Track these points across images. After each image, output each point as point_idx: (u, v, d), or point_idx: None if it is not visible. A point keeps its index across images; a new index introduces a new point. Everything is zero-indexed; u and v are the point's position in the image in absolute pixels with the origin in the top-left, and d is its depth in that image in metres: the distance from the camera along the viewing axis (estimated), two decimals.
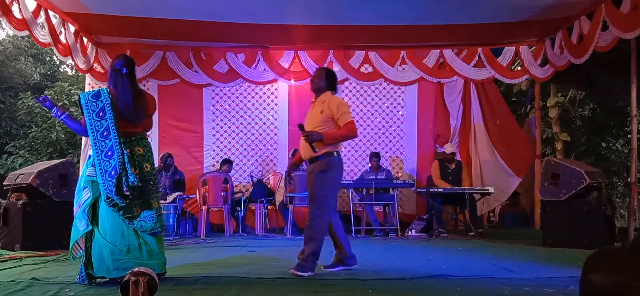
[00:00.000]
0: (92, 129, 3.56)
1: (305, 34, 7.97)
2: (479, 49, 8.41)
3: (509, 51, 8.42)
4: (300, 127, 4.14)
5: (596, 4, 6.28)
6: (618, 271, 1.40)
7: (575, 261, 4.70)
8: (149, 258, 3.57)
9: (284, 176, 8.00)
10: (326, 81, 4.27)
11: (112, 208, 3.55)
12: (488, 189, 7.67)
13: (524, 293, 3.27)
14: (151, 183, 3.74)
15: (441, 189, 7.57)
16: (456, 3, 6.82)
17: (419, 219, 7.85)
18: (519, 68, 8.73)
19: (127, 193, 3.53)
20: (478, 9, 6.93)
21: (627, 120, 11.97)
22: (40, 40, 6.55)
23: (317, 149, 4.06)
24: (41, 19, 6.48)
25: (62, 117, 3.73)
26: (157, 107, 3.88)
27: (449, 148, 8.13)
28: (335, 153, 4.15)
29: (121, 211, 3.56)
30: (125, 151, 3.57)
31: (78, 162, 9.23)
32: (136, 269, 2.91)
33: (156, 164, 8.20)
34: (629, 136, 7.29)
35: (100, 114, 3.59)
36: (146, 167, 3.72)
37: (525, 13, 7.02)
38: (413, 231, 7.47)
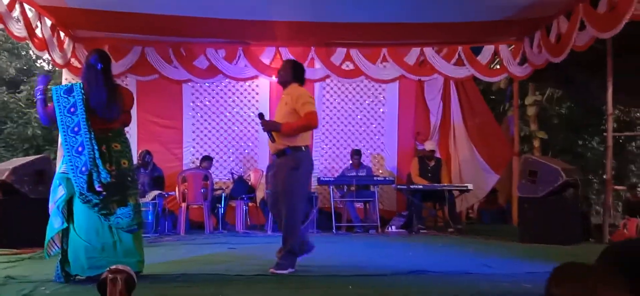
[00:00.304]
0: (62, 125, 3.53)
1: (287, 31, 7.94)
2: (459, 48, 8.46)
3: (488, 50, 8.49)
4: (260, 116, 4.10)
5: (574, 4, 6.36)
6: (580, 281, 1.41)
7: (551, 257, 4.78)
8: (125, 257, 3.50)
9: (264, 173, 7.97)
10: (292, 73, 4.19)
11: (86, 204, 3.50)
12: (467, 186, 7.75)
13: (502, 288, 3.31)
14: (128, 179, 3.69)
15: (421, 186, 7.63)
16: (437, 2, 6.85)
17: (399, 215, 7.90)
18: (498, 67, 8.82)
19: (99, 190, 3.48)
20: (459, 7, 6.97)
21: (603, 119, 12.20)
22: (15, 34, 6.39)
23: (274, 140, 3.99)
24: (16, 12, 6.33)
25: (39, 97, 3.64)
26: (134, 102, 3.80)
27: (428, 145, 8.19)
28: (303, 148, 4.05)
29: (96, 208, 3.51)
30: (95, 147, 3.51)
31: (55, 158, 9.06)
32: (113, 267, 2.87)
33: (135, 161, 8.11)
34: (604, 134, 7.42)
35: (72, 110, 3.54)
36: (123, 163, 3.67)
37: (504, 12, 7.08)
38: (393, 227, 7.51)
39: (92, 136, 3.52)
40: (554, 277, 1.47)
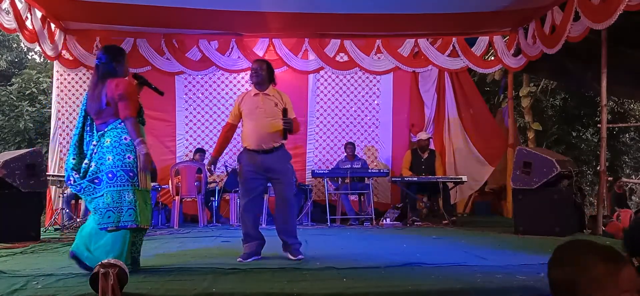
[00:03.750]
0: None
1: (280, 22, 7.89)
2: (454, 39, 8.45)
3: (482, 41, 8.48)
4: (285, 112, 4.26)
5: None
6: (568, 265, 1.43)
7: (546, 249, 4.77)
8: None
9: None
10: (271, 74, 4.42)
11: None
12: (461, 178, 7.74)
13: (496, 280, 3.31)
14: (111, 175, 3.59)
15: (415, 178, 7.62)
16: None
17: (394, 208, 7.89)
18: (493, 58, 8.81)
19: (68, 182, 3.75)
20: None
21: (597, 110, 12.25)
22: (5, 26, 6.33)
23: (286, 137, 4.30)
24: (6, 4, 6.26)
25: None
26: (120, 89, 3.63)
27: (423, 135, 8.18)
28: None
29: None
30: (73, 142, 3.75)
31: (47, 151, 8.99)
32: (105, 261, 2.85)
33: None
34: (598, 125, 7.43)
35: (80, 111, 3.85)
36: (108, 159, 3.61)
37: (499, 3, 7.07)
38: (388, 219, 7.50)
39: (76, 131, 3.77)
40: (554, 258, 1.48)
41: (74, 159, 3.71)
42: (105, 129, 3.66)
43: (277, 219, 4.41)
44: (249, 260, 4.18)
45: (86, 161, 3.66)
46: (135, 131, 3.65)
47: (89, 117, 3.75)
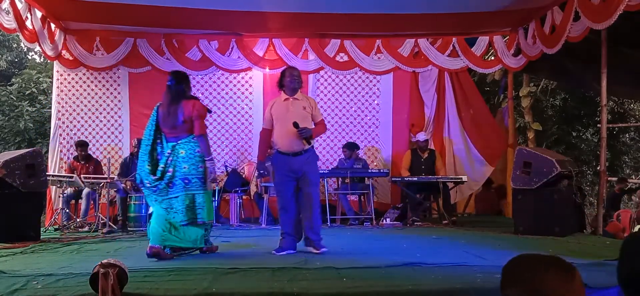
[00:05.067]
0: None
1: (280, 22, 7.89)
2: (454, 39, 8.45)
3: (482, 41, 8.48)
4: (296, 125, 4.53)
5: None
6: (521, 283, 1.40)
7: (545, 249, 4.79)
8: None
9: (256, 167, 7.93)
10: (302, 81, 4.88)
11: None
12: (461, 178, 7.74)
13: (496, 280, 3.28)
14: (187, 180, 4.38)
15: (415, 178, 7.62)
16: None
17: (394, 208, 7.88)
18: (493, 58, 8.81)
19: (140, 186, 4.62)
20: None
21: (596, 110, 12.24)
22: (5, 25, 6.32)
23: (310, 142, 4.61)
24: (6, 4, 6.25)
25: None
26: (197, 110, 4.43)
27: (421, 136, 8.17)
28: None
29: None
30: (146, 152, 4.49)
31: (47, 152, 8.99)
32: (105, 261, 2.85)
33: (127, 152, 8.06)
34: (598, 125, 7.43)
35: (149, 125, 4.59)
36: (184, 167, 4.37)
37: (499, 3, 7.07)
38: (388, 219, 7.50)
39: (149, 142, 4.52)
40: (504, 276, 1.46)
41: (148, 165, 4.45)
42: (178, 142, 4.42)
43: (304, 217, 4.64)
44: (282, 253, 4.49)
45: (162, 165, 4.40)
46: (207, 148, 4.50)
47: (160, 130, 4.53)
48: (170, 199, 4.40)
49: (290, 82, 4.69)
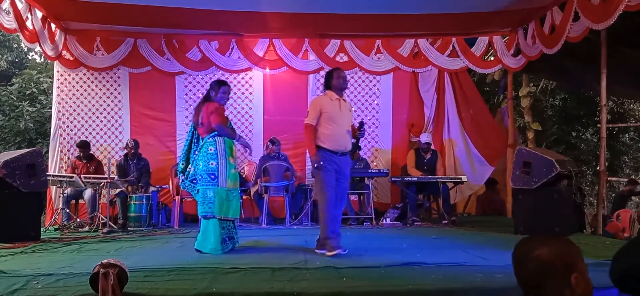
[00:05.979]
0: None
1: (281, 22, 7.89)
2: (453, 39, 8.46)
3: (482, 41, 8.48)
4: (361, 126, 4.88)
5: None
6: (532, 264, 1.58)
7: None
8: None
9: (258, 165, 7.92)
10: None
11: None
12: (461, 178, 7.75)
13: (496, 280, 3.31)
14: (200, 177, 4.76)
15: (415, 178, 7.62)
16: None
17: (394, 208, 7.88)
18: (493, 58, 8.81)
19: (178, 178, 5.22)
20: None
21: (596, 110, 12.24)
22: (6, 26, 6.33)
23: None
24: (6, 4, 6.26)
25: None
26: (209, 109, 4.83)
27: (424, 138, 8.17)
28: None
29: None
30: (184, 151, 5.08)
31: (47, 152, 8.99)
32: (105, 261, 2.85)
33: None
34: (598, 125, 7.43)
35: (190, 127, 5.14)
36: (200, 164, 4.77)
37: (499, 3, 7.07)
38: (387, 219, 7.50)
39: (186, 142, 5.11)
40: (516, 261, 1.64)
41: (182, 164, 5.02)
42: (201, 142, 4.85)
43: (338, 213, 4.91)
44: (335, 253, 4.49)
45: (190, 166, 4.92)
46: (229, 133, 4.89)
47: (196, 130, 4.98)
48: (195, 193, 4.87)
49: (341, 83, 4.88)
